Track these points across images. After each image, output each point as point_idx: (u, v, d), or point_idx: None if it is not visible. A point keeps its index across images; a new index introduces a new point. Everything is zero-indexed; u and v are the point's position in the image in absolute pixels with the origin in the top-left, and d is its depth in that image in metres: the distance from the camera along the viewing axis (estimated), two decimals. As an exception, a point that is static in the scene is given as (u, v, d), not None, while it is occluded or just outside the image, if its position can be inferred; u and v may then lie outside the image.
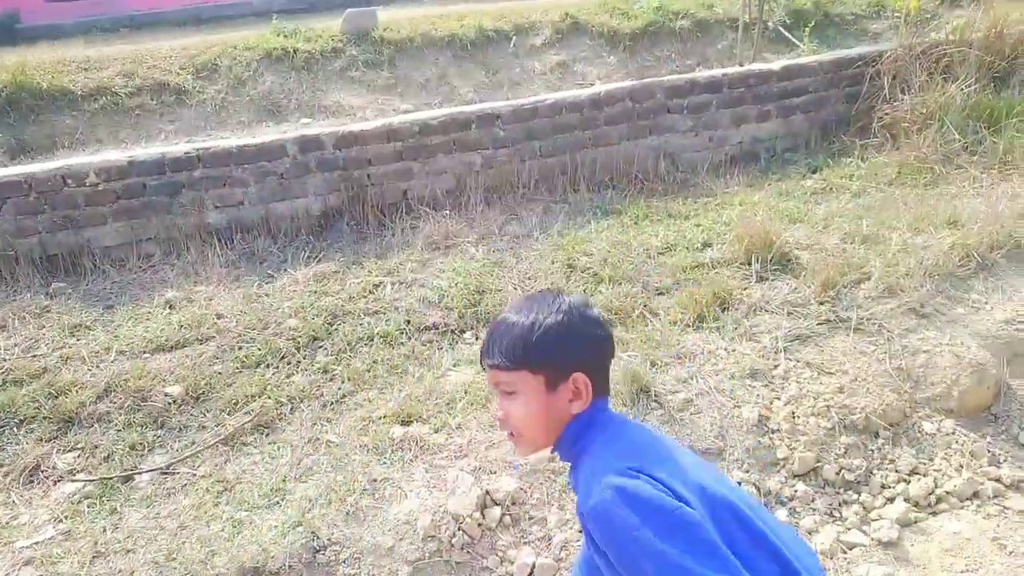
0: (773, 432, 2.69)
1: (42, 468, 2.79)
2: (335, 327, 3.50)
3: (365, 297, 3.73)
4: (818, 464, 2.60)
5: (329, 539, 2.40)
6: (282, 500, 2.56)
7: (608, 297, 3.49)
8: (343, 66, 7.00)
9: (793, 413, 2.75)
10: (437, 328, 3.48)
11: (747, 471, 2.58)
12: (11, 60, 6.56)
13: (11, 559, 2.38)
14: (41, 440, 2.91)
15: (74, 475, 2.74)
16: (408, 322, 3.50)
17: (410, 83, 7.00)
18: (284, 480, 2.65)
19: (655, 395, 2.81)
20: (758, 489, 2.52)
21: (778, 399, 2.81)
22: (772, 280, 3.48)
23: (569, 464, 1.31)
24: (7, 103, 5.93)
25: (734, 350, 3.08)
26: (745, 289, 3.45)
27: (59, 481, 2.73)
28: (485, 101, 6.43)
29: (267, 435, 2.93)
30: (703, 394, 2.85)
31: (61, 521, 2.54)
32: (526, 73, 7.13)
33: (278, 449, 2.84)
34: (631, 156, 4.98)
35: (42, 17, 11.13)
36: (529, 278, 3.80)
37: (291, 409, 3.04)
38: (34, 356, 3.44)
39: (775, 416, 2.73)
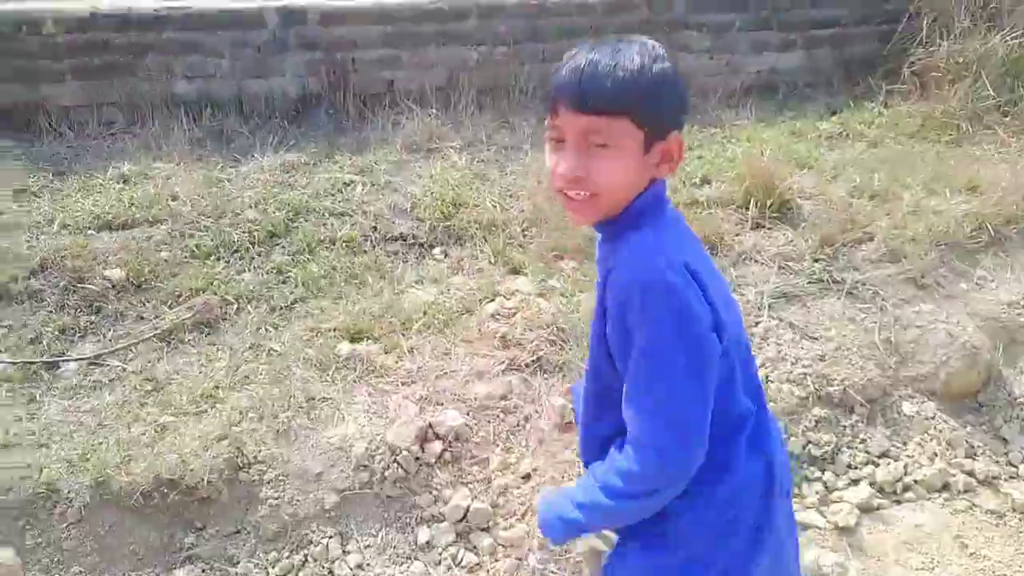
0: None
1: (-38, 344, 2.61)
2: (296, 225, 3.25)
3: (333, 195, 3.47)
4: (785, 435, 2.45)
5: (255, 457, 2.25)
6: (211, 408, 2.39)
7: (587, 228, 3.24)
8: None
9: (767, 377, 2.57)
10: (404, 239, 3.24)
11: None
12: None
13: (-88, 441, 2.23)
14: (-36, 313, 2.72)
15: (-6, 356, 2.56)
16: (375, 228, 3.26)
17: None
18: (217, 387, 2.48)
19: (623, 341, 2.62)
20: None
21: (755, 359, 2.63)
22: (769, 229, 3.23)
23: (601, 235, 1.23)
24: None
25: (715, 301, 2.87)
26: (738, 235, 3.20)
27: (-22, 360, 2.54)
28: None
29: (207, 334, 2.74)
30: (675, 345, 2.66)
31: (-26, 402, 2.37)
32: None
33: (216, 351, 2.66)
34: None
35: None
36: (510, 195, 3.54)
37: (236, 309, 2.84)
38: (-31, 219, 3.20)
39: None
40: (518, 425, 2.47)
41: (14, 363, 2.53)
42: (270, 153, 3.79)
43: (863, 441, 2.49)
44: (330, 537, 2.17)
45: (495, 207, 3.41)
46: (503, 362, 2.63)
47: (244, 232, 3.18)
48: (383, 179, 3.60)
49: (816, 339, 2.73)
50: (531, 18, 4.43)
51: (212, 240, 3.14)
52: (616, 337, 1.13)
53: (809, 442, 2.46)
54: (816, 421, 2.50)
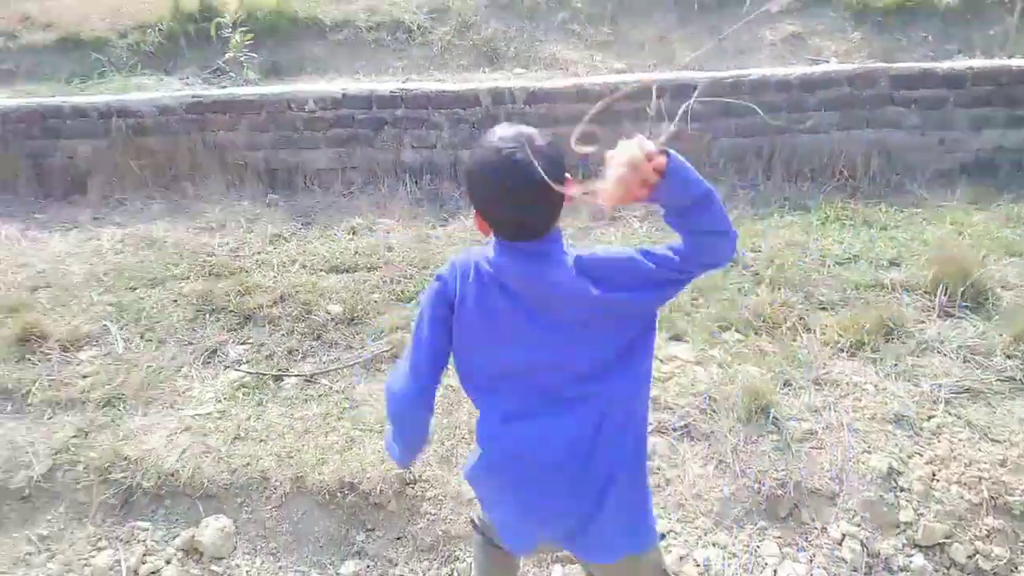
0: (901, 491, 2.42)
1: (219, 353, 3.28)
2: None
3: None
4: (947, 540, 2.30)
5: (420, 476, 2.59)
6: (393, 430, 2.79)
7: (762, 302, 3.28)
8: (565, 18, 7.02)
9: (933, 475, 2.45)
10: (578, 298, 3.50)
11: (858, 524, 2.36)
12: (279, -12, 7.36)
13: (177, 422, 2.86)
14: (224, 329, 3.41)
15: (239, 365, 3.19)
16: (553, 287, 3.56)
17: (628, 42, 6.88)
18: (400, 412, 2.87)
19: (774, 418, 2.64)
20: (865, 548, 2.31)
21: (920, 455, 2.51)
22: (957, 318, 3.06)
23: None
24: (269, 28, 6.70)
25: (885, 388, 2.78)
26: (921, 322, 3.07)
27: (228, 367, 3.19)
28: (703, 68, 6.16)
29: (400, 367, 3.18)
30: (831, 429, 2.62)
31: (220, 402, 2.98)
32: (755, 41, 6.69)
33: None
34: (839, 148, 4.54)
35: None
36: (685, 265, 3.67)
37: (426, 348, 3.26)
38: (237, 256, 4.00)
39: (910, 474, 2.45)
40: (658, 486, 2.58)
41: (251, 373, 3.14)
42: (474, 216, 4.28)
43: (1045, 560, 2.27)
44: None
45: (668, 275, 3.56)
46: (652, 423, 2.76)
47: (441, 282, 3.64)
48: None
49: (998, 442, 2.54)
50: (723, 95, 4.57)
51: (415, 287, 3.63)
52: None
53: (977, 552, 2.30)
54: (988, 531, 2.32)
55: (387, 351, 3.23)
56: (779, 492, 2.44)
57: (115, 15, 7.24)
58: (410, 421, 1.59)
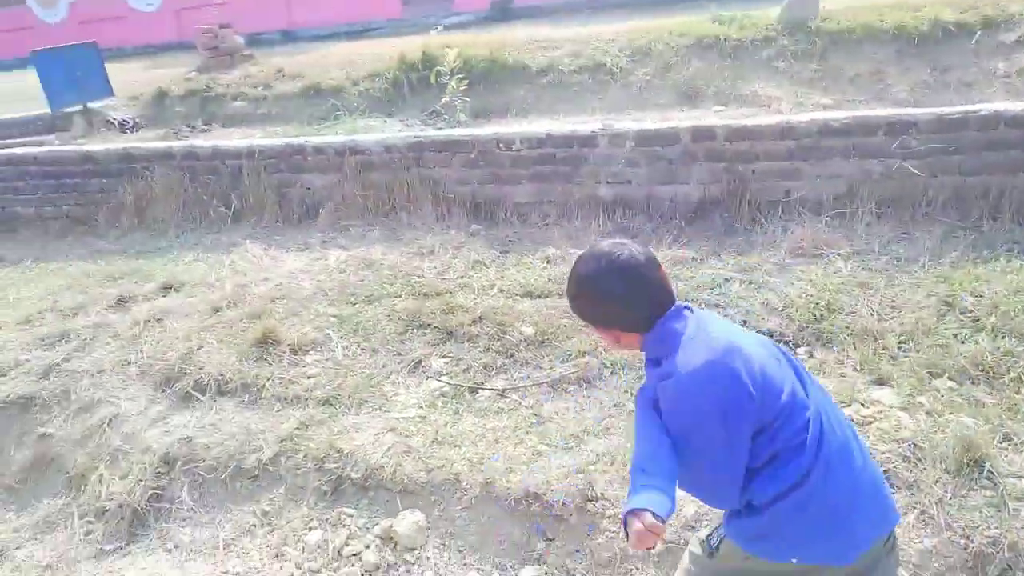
0: None
1: (423, 364, 3.59)
2: (674, 310, 3.68)
3: (711, 289, 3.83)
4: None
5: (602, 494, 2.66)
6: (577, 446, 2.90)
7: (981, 350, 3.01)
8: (770, 55, 6.92)
9: None
10: (771, 335, 3.42)
11: (1087, 597, 2.09)
12: (493, 37, 7.99)
13: (383, 423, 3.18)
14: (429, 343, 3.73)
15: (440, 376, 3.48)
16: (744, 323, 3.51)
17: (838, 77, 6.63)
18: (585, 430, 2.99)
19: (989, 472, 2.41)
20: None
21: None
22: None
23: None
24: (482, 75, 7.28)
25: None
26: None
27: (430, 377, 3.48)
28: (921, 103, 5.78)
29: (585, 388, 3.29)
30: (1060, 490, 2.35)
31: (421, 408, 3.27)
32: (984, 74, 6.18)
33: (589, 402, 3.18)
34: (1085, 190, 4.03)
35: (529, 0, 13.06)
36: (893, 306, 3.46)
37: (612, 372, 3.35)
38: (443, 279, 4.36)
39: None
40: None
41: (451, 384, 3.41)
42: (664, 248, 4.33)
43: None
44: (649, 578, 2.45)
45: (872, 315, 3.38)
46: (847, 466, 2.62)
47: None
48: (761, 278, 3.84)
49: None
50: (947, 131, 4.26)
51: (603, 315, 3.74)
52: None
53: None
54: None
55: (573, 372, 3.36)
56: (990, 551, 2.22)
57: (350, 66, 8.24)
58: None
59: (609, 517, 2.61)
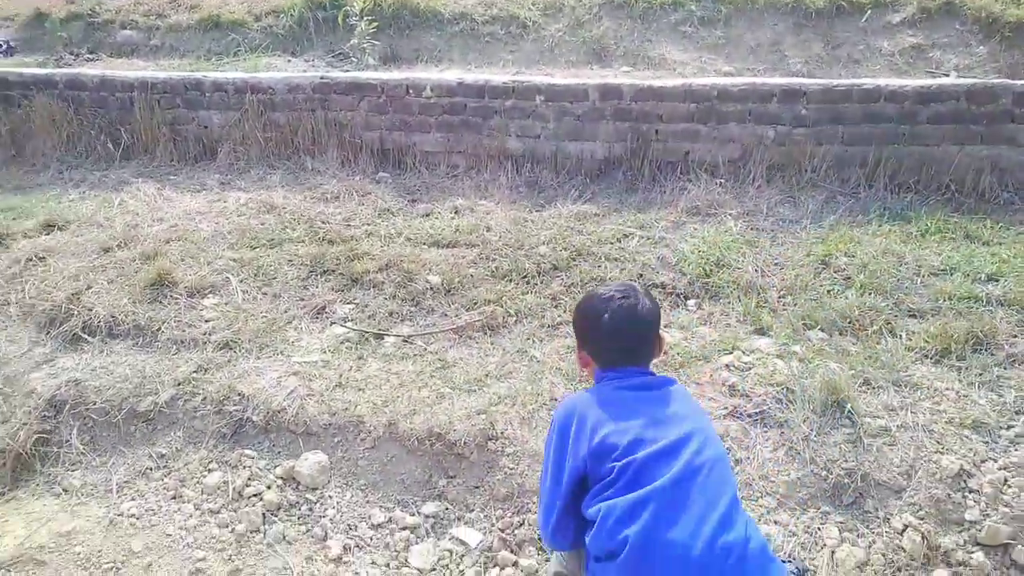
0: (970, 491, 2.42)
1: (327, 310, 3.58)
2: (576, 263, 3.81)
3: (612, 243, 3.98)
4: (1011, 541, 2.30)
5: (502, 433, 2.78)
6: (479, 389, 3.00)
7: (850, 304, 3.30)
8: (678, 20, 7.07)
9: (1005, 480, 2.43)
10: (664, 287, 3.62)
11: (921, 518, 2.39)
12: (402, -20, 7.74)
13: (286, 367, 3.17)
14: (333, 289, 3.72)
15: (345, 322, 3.48)
16: (640, 276, 3.68)
17: (740, 45, 6.86)
18: (487, 375, 3.09)
19: (849, 412, 2.68)
20: (926, 540, 2.33)
21: (993, 461, 2.50)
22: (1055, 335, 2.99)
23: None
24: (391, 18, 7.07)
25: (967, 396, 2.77)
26: (1013, 337, 3.01)
27: (334, 323, 3.48)
28: (814, 75, 6.09)
29: (489, 336, 3.39)
30: (906, 428, 2.64)
31: (325, 353, 3.27)
32: (871, 51, 6.55)
33: (493, 349, 3.28)
34: (948, 162, 4.42)
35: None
36: (775, 264, 3.72)
37: (515, 321, 3.45)
38: (349, 225, 4.31)
39: (981, 477, 2.45)
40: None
41: (355, 329, 3.42)
42: (569, 203, 4.45)
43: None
44: (544, 512, 2.59)
45: (757, 271, 3.63)
46: (727, 407, 2.85)
47: (534, 263, 3.83)
48: (658, 235, 4.02)
49: (1084, 455, 2.50)
50: (834, 102, 4.54)
51: (509, 265, 3.83)
52: None
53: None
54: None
55: (478, 320, 3.44)
56: (846, 480, 2.49)
57: (252, 1, 7.82)
58: None
59: (508, 455, 2.73)
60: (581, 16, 7.26)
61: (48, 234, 4.23)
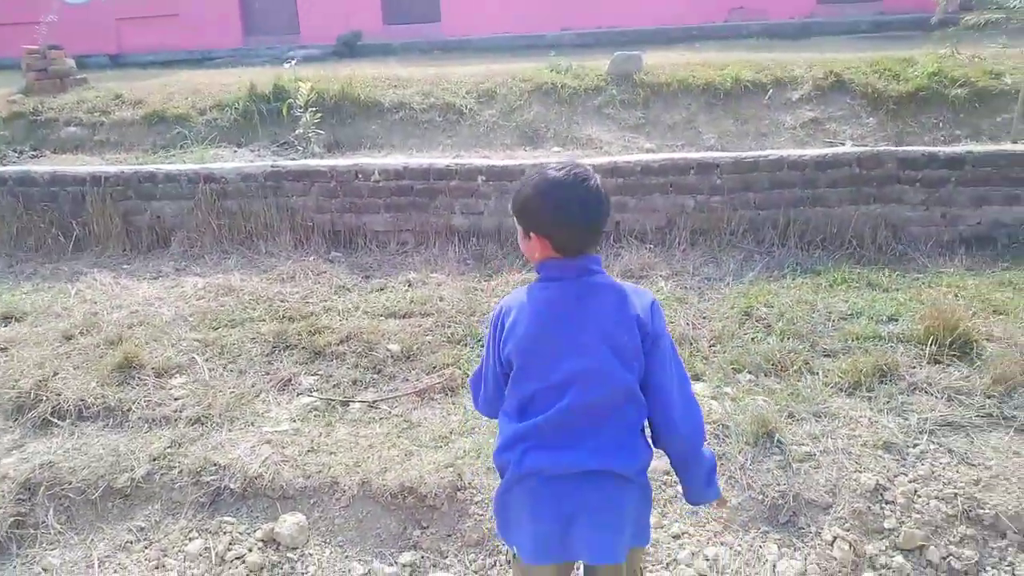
0: (887, 503, 2.77)
1: (292, 382, 3.76)
2: (525, 325, 4.11)
3: (557, 306, 4.31)
4: (924, 544, 2.63)
5: (470, 483, 2.99)
6: (445, 446, 3.22)
7: (772, 348, 3.69)
8: (601, 103, 7.70)
9: (915, 491, 2.79)
10: (607, 343, 3.94)
11: (847, 529, 2.70)
12: (344, 73, 8.22)
13: (257, 437, 3.32)
14: (297, 363, 3.91)
15: (311, 392, 3.67)
16: (585, 334, 4.00)
17: (659, 124, 7.50)
18: (451, 432, 3.31)
19: (778, 442, 3.02)
20: (853, 548, 2.64)
21: (904, 475, 2.86)
22: (945, 365, 3.43)
23: None
24: (334, 108, 7.48)
25: (877, 421, 3.15)
26: (913, 368, 3.44)
27: (300, 394, 3.66)
28: (727, 149, 6.73)
29: (450, 396, 3.63)
30: (828, 453, 2.99)
31: (295, 421, 3.45)
32: (775, 126, 7.27)
33: (455, 408, 3.52)
34: (848, 221, 4.99)
35: (379, 37, 13.44)
36: (704, 317, 4.11)
37: (472, 382, 3.71)
38: (307, 303, 4.53)
39: (894, 489, 2.80)
40: (675, 497, 2.95)
41: (321, 398, 3.61)
42: (515, 272, 4.79)
43: (1010, 564, 2.58)
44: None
45: (688, 324, 4.01)
46: (672, 446, 3.15)
47: (486, 327, 4.11)
48: (598, 297, 4.38)
49: (974, 466, 2.88)
50: (744, 172, 5.09)
51: (463, 331, 4.11)
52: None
53: (950, 555, 2.62)
54: (961, 537, 2.65)
55: (438, 383, 3.68)
56: (780, 502, 2.80)
57: (195, 95, 8.13)
58: None
59: (477, 503, 2.94)
60: (512, 102, 7.82)
61: (6, 326, 4.29)
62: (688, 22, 12.58)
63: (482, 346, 3.94)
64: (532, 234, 1.77)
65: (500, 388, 1.87)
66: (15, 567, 2.90)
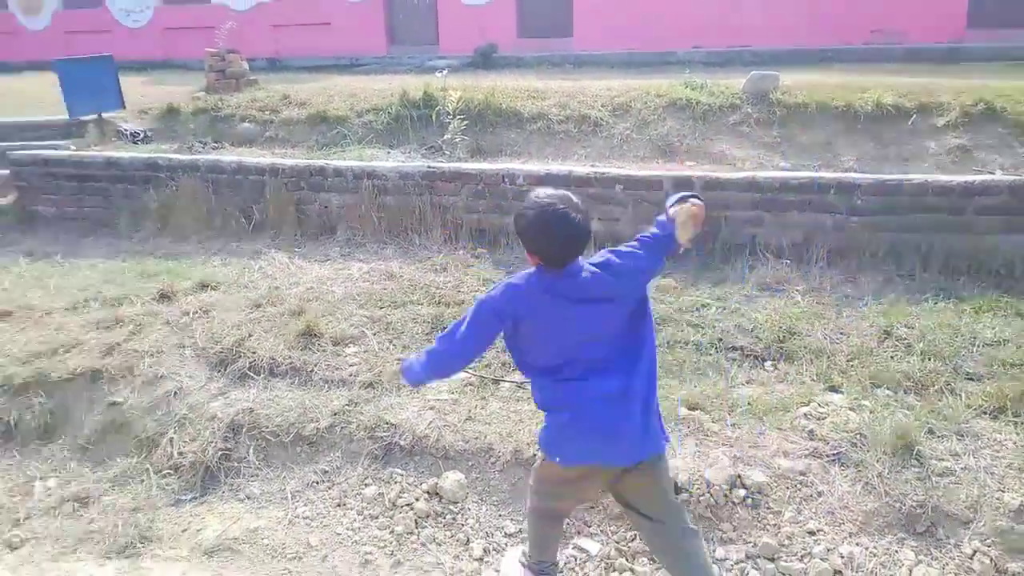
0: (1031, 523, 2.83)
1: (449, 361, 4.16)
2: (661, 328, 4.35)
3: (692, 312, 4.53)
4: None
5: (613, 463, 3.26)
6: (589, 428, 3.51)
7: (912, 367, 3.76)
8: (736, 121, 7.81)
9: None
10: (742, 350, 4.12)
11: (989, 545, 2.78)
12: (486, 84, 8.70)
13: (422, 403, 3.73)
14: (452, 344, 4.30)
15: (465, 370, 4.04)
16: (720, 340, 4.20)
17: (794, 143, 7.53)
18: (594, 417, 3.59)
19: (917, 455, 3.11)
20: (995, 564, 2.72)
21: (1050, 497, 2.90)
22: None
23: None
24: (477, 116, 7.95)
25: (1023, 445, 3.19)
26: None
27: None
28: (866, 172, 6.69)
29: (591, 386, 3.91)
30: (969, 470, 3.06)
31: (453, 393, 3.83)
32: (919, 151, 7.15)
33: (596, 397, 3.80)
34: (997, 249, 4.92)
35: (512, 50, 13.98)
36: (842, 333, 4.21)
37: (613, 374, 3.98)
38: (458, 291, 4.95)
39: (1039, 510, 2.85)
40: (811, 496, 3.11)
41: (476, 375, 3.99)
42: (655, 278, 5.03)
43: None
44: (654, 528, 3.04)
45: (825, 338, 4.12)
46: (807, 450, 3.31)
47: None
48: (734, 306, 4.56)
49: None
50: (886, 195, 5.11)
51: (602, 328, 4.39)
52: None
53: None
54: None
55: (581, 373, 3.97)
56: (918, 511, 2.91)
57: (352, 99, 8.83)
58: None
59: (620, 481, 3.21)
60: (647, 116, 8.05)
61: (205, 292, 4.94)
62: (825, 43, 12.37)
63: None
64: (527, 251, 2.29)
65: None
66: (223, 493, 3.42)
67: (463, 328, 2.33)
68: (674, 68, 10.92)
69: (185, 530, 3.22)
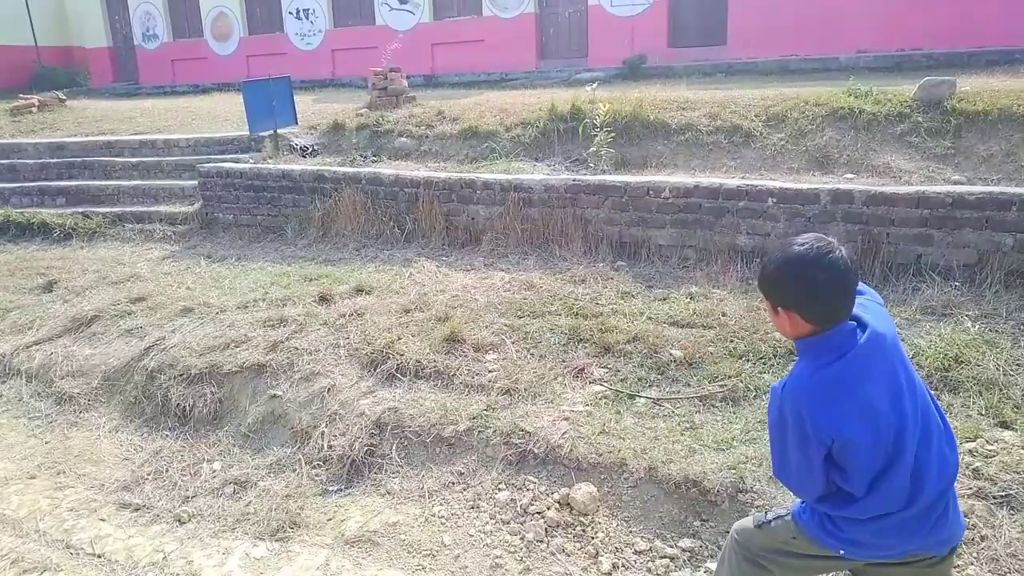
0: None
1: (585, 372, 4.20)
2: (810, 349, 4.14)
3: (845, 334, 4.27)
4: None
5: (752, 488, 3.16)
6: (727, 449, 3.41)
7: (1104, 406, 3.35)
8: (904, 131, 7.28)
9: None
10: (901, 377, 3.83)
11: None
12: (634, 95, 8.67)
13: (556, 413, 3.79)
14: (589, 355, 4.34)
15: (601, 382, 4.07)
16: (876, 364, 3.93)
17: (971, 155, 6.91)
18: (733, 438, 3.50)
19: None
20: None
21: None
22: None
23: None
24: (624, 129, 7.93)
25: None
26: None
27: (592, 383, 4.08)
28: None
29: (731, 406, 3.80)
30: None
31: (587, 405, 3.86)
32: None
33: (735, 418, 3.69)
34: None
35: (662, 60, 13.83)
36: (1018, 364, 3.82)
37: (755, 396, 3.85)
38: (597, 304, 4.97)
39: None
40: (973, 540, 2.85)
41: (611, 389, 3.99)
42: (800, 296, 4.80)
43: None
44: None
45: (998, 370, 3.75)
46: (971, 489, 3.03)
47: (770, 347, 4.22)
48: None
49: None
50: (1082, 213, 4.58)
51: (745, 347, 4.25)
52: None
53: None
54: None
55: (720, 392, 3.88)
56: (1105, 567, 2.59)
57: (503, 113, 9.10)
58: None
59: (757, 507, 3.10)
60: (804, 126, 7.68)
61: (359, 296, 5.30)
62: (1013, 43, 11.23)
63: (765, 363, 4.06)
64: (780, 309, 1.86)
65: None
66: (366, 486, 3.65)
67: None
68: (836, 75, 10.35)
69: (330, 519, 3.48)
